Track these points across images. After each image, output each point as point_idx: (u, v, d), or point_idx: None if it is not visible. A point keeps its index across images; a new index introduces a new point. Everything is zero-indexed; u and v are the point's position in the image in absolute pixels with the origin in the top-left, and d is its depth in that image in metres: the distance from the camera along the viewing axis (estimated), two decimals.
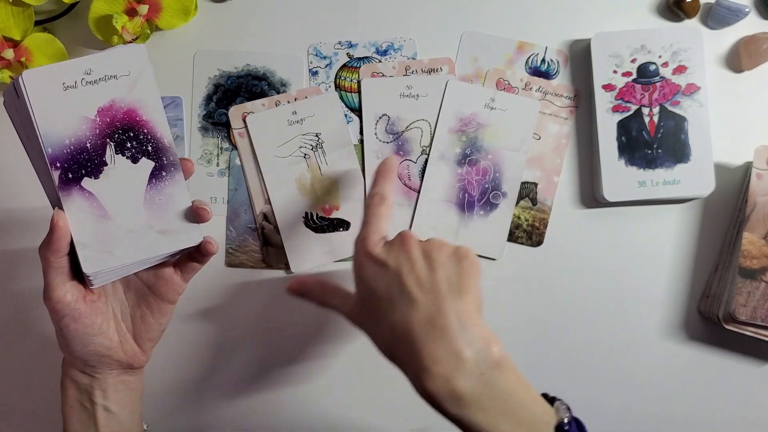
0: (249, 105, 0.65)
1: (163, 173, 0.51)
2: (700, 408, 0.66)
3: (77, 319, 0.50)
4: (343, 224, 0.66)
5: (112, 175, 0.49)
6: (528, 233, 0.66)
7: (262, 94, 0.65)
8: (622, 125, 0.64)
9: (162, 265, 0.54)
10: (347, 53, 0.66)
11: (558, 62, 0.66)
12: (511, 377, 0.47)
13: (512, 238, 0.66)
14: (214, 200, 0.65)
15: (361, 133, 0.66)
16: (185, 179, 0.52)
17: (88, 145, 0.49)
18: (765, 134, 0.66)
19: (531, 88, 0.66)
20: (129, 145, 0.50)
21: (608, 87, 0.64)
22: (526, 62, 0.66)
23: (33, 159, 0.50)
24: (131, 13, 0.60)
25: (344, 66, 0.66)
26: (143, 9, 0.60)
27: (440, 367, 0.46)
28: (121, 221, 0.50)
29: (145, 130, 0.50)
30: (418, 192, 0.65)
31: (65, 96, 0.48)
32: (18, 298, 0.65)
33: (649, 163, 0.64)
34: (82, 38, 0.65)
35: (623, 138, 0.64)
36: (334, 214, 0.66)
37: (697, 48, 0.64)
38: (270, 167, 0.65)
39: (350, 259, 0.65)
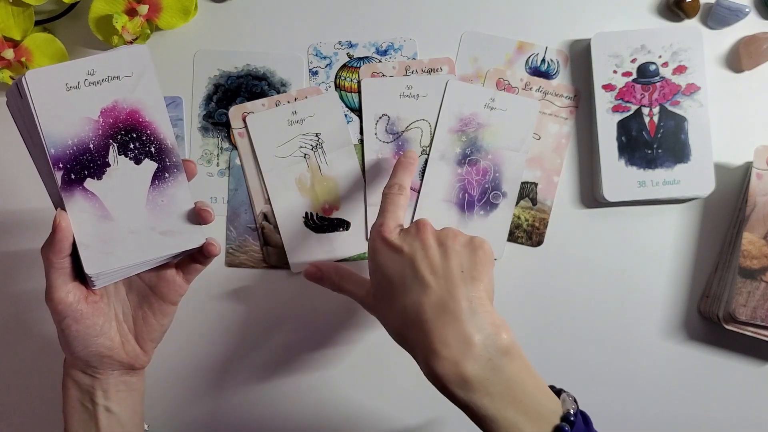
0: (249, 105, 0.65)
1: (166, 174, 0.51)
2: (700, 408, 0.66)
3: (79, 319, 0.50)
4: (343, 224, 0.66)
5: (115, 176, 0.49)
6: (528, 233, 0.66)
7: (262, 94, 0.65)
8: (622, 125, 0.64)
9: (164, 266, 0.54)
10: (347, 53, 0.66)
11: (558, 62, 0.66)
12: (519, 365, 0.47)
13: (512, 238, 0.66)
14: (215, 200, 0.65)
15: (361, 133, 0.66)
16: (188, 181, 0.52)
17: (91, 145, 0.49)
18: (765, 134, 0.66)
19: (531, 88, 0.66)
20: (132, 146, 0.50)
21: (608, 87, 0.64)
22: (526, 62, 0.66)
23: (35, 159, 0.50)
24: (131, 13, 0.60)
25: (344, 66, 0.66)
26: (143, 9, 0.60)
27: (449, 351, 0.46)
28: (124, 222, 0.50)
29: (148, 131, 0.50)
30: (418, 192, 0.65)
31: (68, 96, 0.48)
32: (18, 299, 0.65)
33: (649, 163, 0.64)
34: (83, 38, 0.65)
35: (623, 138, 0.64)
36: (334, 214, 0.66)
37: (697, 48, 0.64)
38: (270, 167, 0.65)
39: (350, 259, 0.65)
